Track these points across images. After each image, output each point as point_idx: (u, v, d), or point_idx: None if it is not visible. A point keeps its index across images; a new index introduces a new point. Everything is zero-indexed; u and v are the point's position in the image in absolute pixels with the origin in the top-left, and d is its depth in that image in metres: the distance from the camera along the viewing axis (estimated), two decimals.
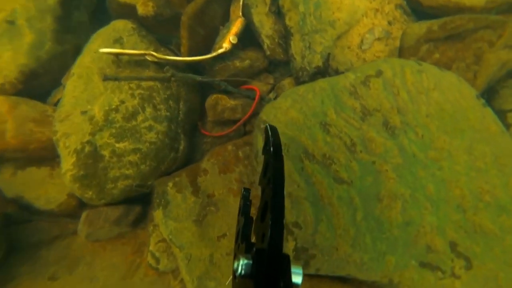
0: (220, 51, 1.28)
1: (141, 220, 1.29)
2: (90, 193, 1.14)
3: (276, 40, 1.37)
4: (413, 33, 1.28)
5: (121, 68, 1.28)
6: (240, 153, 1.22)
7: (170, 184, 1.17)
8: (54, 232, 1.25)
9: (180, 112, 1.31)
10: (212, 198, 1.14)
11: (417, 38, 1.28)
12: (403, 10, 1.43)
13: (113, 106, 1.21)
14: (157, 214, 1.13)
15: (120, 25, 1.37)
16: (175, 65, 1.32)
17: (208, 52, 1.32)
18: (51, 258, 1.21)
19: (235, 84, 1.35)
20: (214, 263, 1.05)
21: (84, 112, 1.20)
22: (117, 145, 1.17)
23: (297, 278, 0.42)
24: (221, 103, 1.29)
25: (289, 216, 0.95)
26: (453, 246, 0.94)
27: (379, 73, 1.15)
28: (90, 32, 1.37)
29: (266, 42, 1.35)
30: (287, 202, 0.96)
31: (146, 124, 1.22)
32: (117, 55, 1.26)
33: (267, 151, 0.54)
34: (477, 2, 1.27)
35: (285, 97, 1.12)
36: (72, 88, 1.24)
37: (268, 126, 0.57)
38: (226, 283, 1.01)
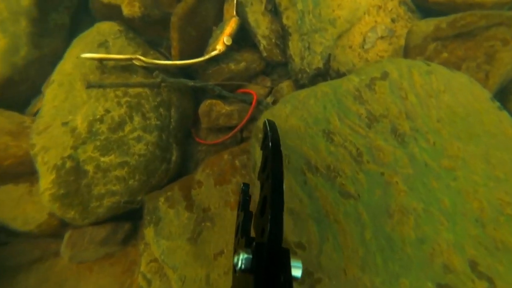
0: (214, 53, 1.22)
1: (132, 236, 1.20)
2: (72, 213, 1.05)
3: (273, 40, 1.29)
4: (420, 31, 1.20)
5: (106, 74, 1.19)
6: (237, 162, 1.14)
7: (162, 199, 1.09)
8: (35, 254, 1.15)
9: (172, 120, 1.23)
10: (207, 213, 1.06)
11: (424, 37, 1.20)
12: (407, 6, 1.36)
13: (98, 116, 1.12)
14: (148, 232, 1.05)
15: (105, 28, 1.28)
16: (165, 69, 1.24)
17: (201, 54, 1.26)
18: (31, 282, 1.12)
19: (230, 88, 1.29)
20: (211, 284, 0.97)
21: (65, 123, 1.10)
22: (102, 159, 1.08)
23: (296, 272, 0.42)
24: (216, 109, 1.22)
25: (292, 235, 0.87)
26: (473, 265, 0.86)
27: (385, 75, 1.06)
28: (71, 35, 1.28)
29: (263, 42, 1.28)
30: (288, 220, 0.88)
31: (135, 134, 1.13)
32: (101, 60, 1.17)
33: (265, 146, 0.54)
34: None
35: (285, 103, 1.04)
36: (52, 97, 1.15)
37: (266, 121, 0.58)
38: None
